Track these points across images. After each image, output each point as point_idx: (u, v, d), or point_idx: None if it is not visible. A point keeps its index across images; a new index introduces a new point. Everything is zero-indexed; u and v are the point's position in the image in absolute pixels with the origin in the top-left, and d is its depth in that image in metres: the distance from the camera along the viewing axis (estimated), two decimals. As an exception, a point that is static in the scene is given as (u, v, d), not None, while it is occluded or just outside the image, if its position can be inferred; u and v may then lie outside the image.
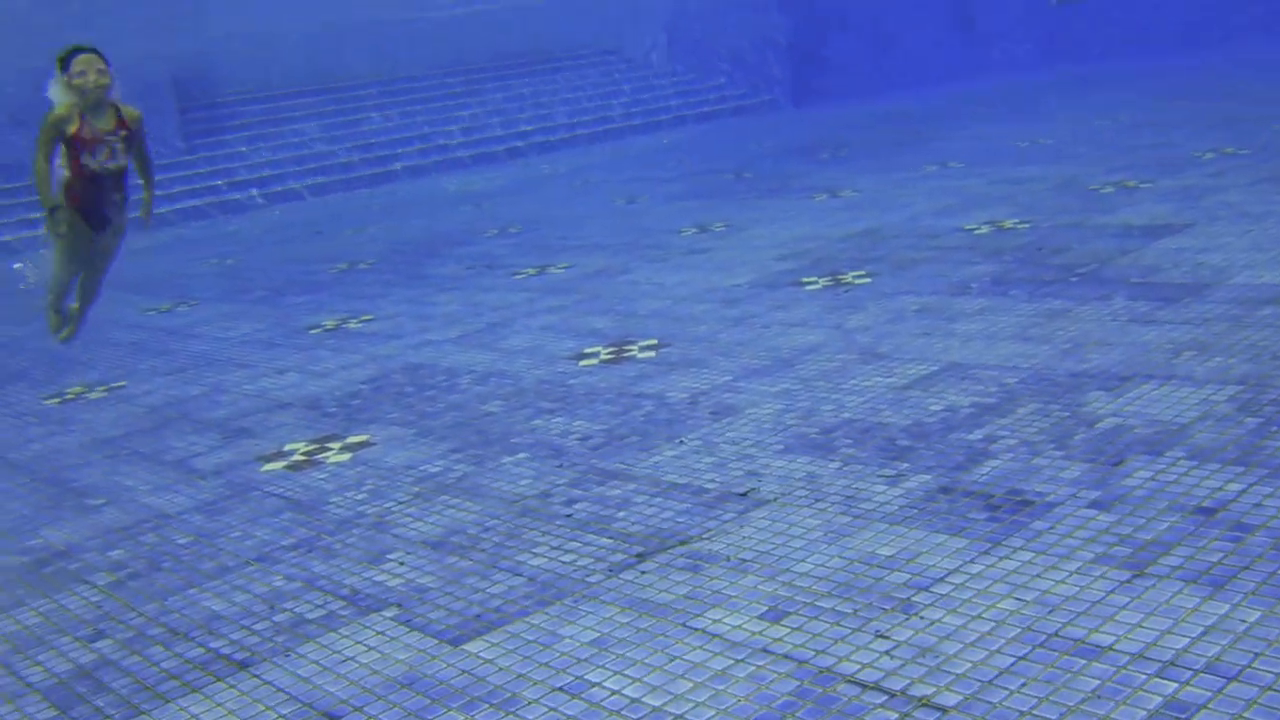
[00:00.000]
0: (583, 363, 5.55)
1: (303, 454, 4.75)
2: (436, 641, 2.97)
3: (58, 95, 5.41)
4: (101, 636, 3.30)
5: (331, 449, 4.76)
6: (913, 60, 24.09)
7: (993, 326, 5.13)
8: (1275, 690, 2.31)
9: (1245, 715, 2.25)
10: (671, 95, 22.17)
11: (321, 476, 4.43)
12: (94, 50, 5.45)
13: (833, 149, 13.46)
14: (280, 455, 4.77)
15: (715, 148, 15.97)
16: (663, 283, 7.14)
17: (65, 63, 5.40)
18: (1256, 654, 2.43)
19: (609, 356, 5.61)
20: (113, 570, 3.78)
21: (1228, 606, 2.63)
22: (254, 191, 16.73)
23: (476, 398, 5.20)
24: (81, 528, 4.24)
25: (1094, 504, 3.23)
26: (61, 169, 5.48)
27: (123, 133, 5.49)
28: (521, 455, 4.33)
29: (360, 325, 7.19)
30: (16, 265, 13.67)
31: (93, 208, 5.58)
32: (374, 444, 4.74)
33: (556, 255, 8.73)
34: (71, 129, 5.34)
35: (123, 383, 6.60)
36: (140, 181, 5.85)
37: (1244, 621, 2.56)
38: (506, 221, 11.09)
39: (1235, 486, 3.21)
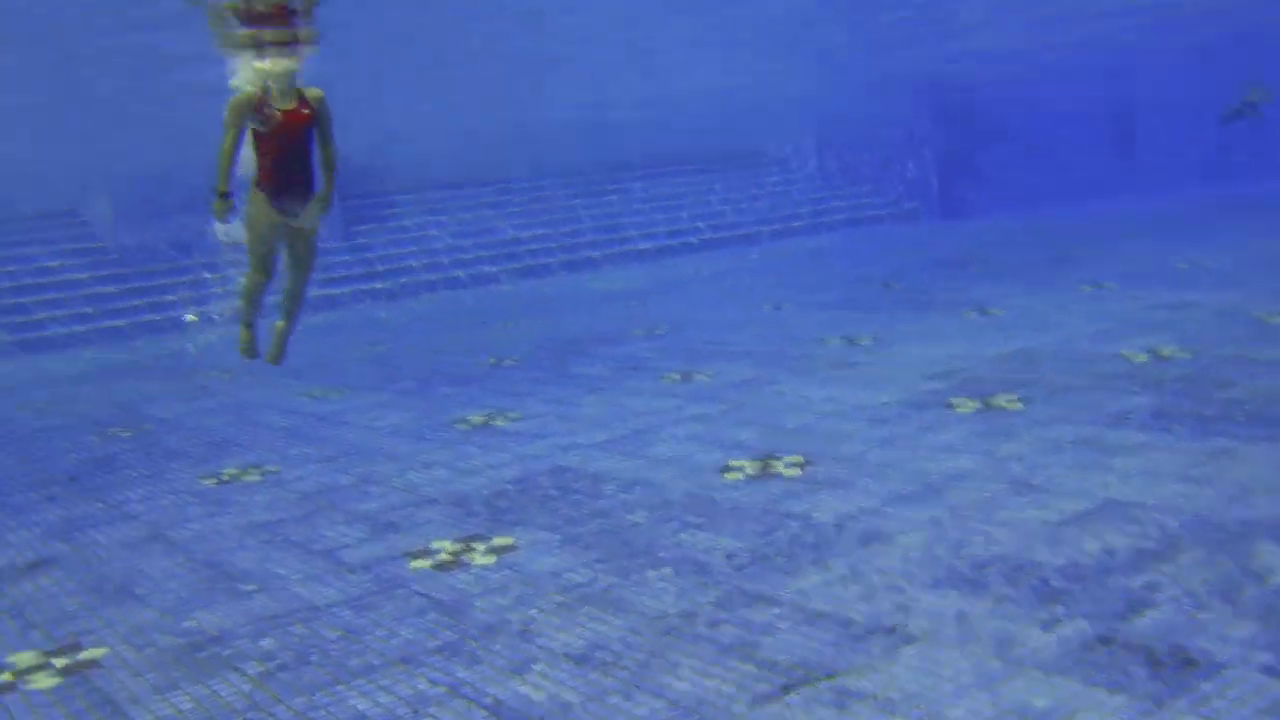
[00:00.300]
0: (728, 476, 5.54)
1: (449, 553, 4.81)
2: (579, 763, 2.96)
3: (244, 78, 5.62)
4: (252, 729, 3.37)
5: (477, 550, 4.82)
6: (1066, 174, 23.81)
7: (1153, 463, 4.98)
8: None
9: None
10: (819, 200, 22.27)
11: (467, 579, 4.48)
12: None
13: (982, 263, 13.33)
14: (427, 553, 4.85)
15: (862, 255, 15.95)
16: (809, 396, 7.11)
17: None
18: None
19: (755, 471, 5.59)
20: (263, 660, 3.87)
21: None
22: (405, 280, 17.24)
23: (622, 506, 5.22)
24: (234, 613, 4.36)
25: (1267, 669, 3.09)
26: (246, 153, 5.77)
27: (306, 111, 5.75)
28: (666, 570, 4.32)
29: (507, 423, 7.30)
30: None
31: (280, 190, 5.83)
32: (519, 548, 4.79)
33: (702, 361, 8.77)
34: (258, 110, 5.60)
35: (277, 467, 6.80)
36: (323, 170, 6.11)
37: None
38: (653, 323, 11.20)
39: None
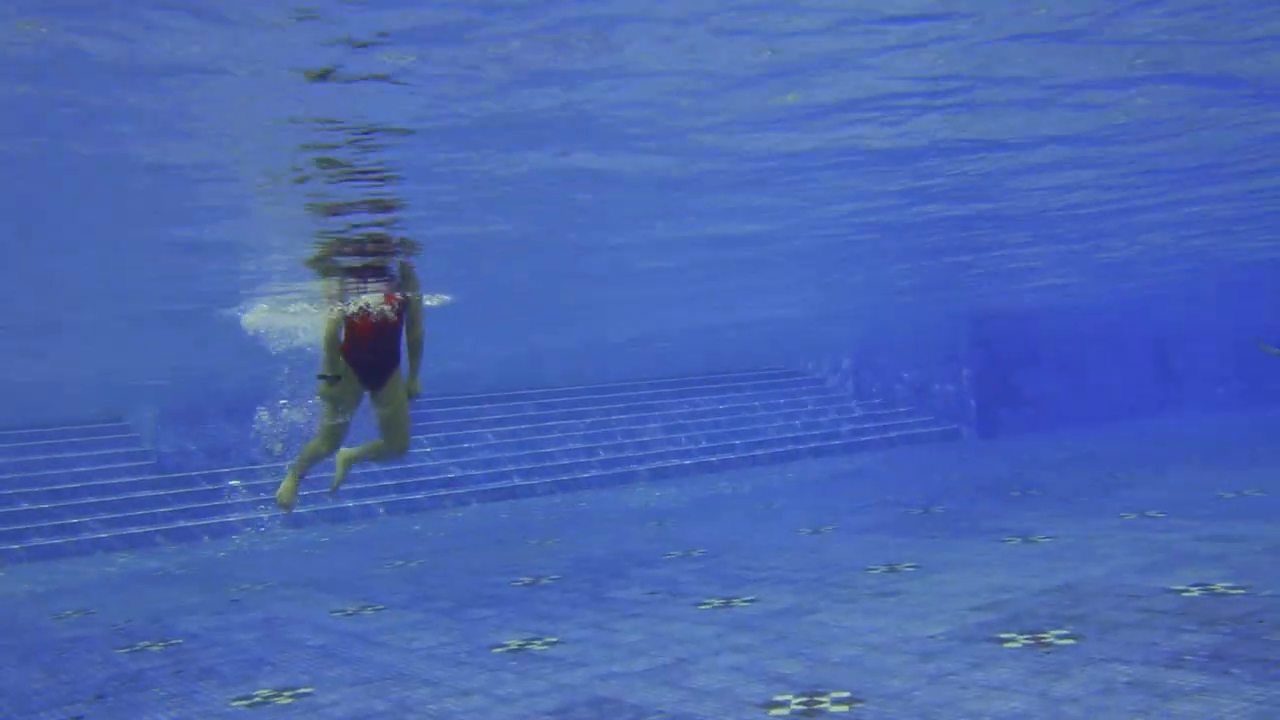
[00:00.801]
0: (773, 711, 5.38)
1: (799, 702, 4.66)
2: None
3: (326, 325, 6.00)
4: None
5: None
6: (1105, 396, 23.85)
7: (1215, 710, 4.81)
8: None
9: None
10: (855, 420, 22.33)
11: (505, 820, 4.32)
12: None
13: (1022, 488, 13.22)
14: (463, 790, 4.69)
15: (900, 477, 15.87)
16: (853, 627, 6.96)
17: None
18: None
19: (800, 707, 5.43)
20: None
21: None
22: (441, 493, 17.25)
23: None
24: None
25: None
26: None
27: (395, 316, 5.90)
28: (711, 817, 4.16)
29: (544, 648, 7.17)
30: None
31: (362, 362, 5.96)
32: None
33: (741, 587, 8.65)
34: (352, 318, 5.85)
35: (310, 689, 6.67)
36: (409, 352, 6.25)
37: None
38: (689, 544, 11.10)
39: None
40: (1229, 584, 7.14)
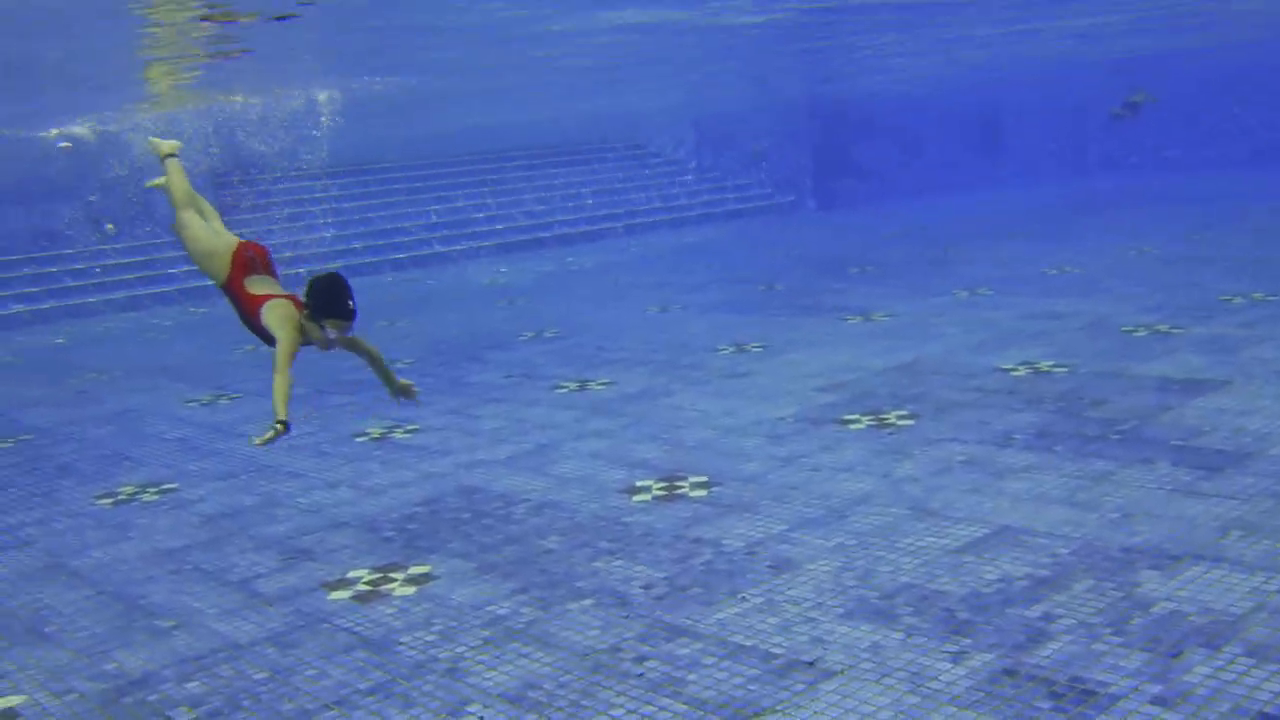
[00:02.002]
0: (636, 498, 5.68)
1: (367, 583, 4.87)
2: (526, 812, 3.08)
3: (289, 326, 5.07)
4: (192, 782, 3.40)
5: (395, 580, 4.88)
6: (938, 168, 24.48)
7: (1040, 486, 5.27)
8: None
9: None
10: (697, 192, 22.53)
11: (390, 612, 4.55)
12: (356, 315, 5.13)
13: (861, 264, 13.70)
14: (345, 584, 4.89)
15: (742, 252, 16.23)
16: (707, 410, 7.29)
17: (328, 309, 5.03)
18: None
19: (661, 492, 5.74)
20: (193, 706, 3.89)
21: (1298, 826, 2.73)
22: (283, 271, 16.99)
23: (534, 531, 5.33)
24: (155, 653, 4.35)
25: (1157, 700, 3.34)
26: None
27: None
28: (587, 602, 4.45)
29: (406, 436, 7.34)
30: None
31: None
32: (437, 577, 4.86)
33: (596, 369, 8.90)
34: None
35: (174, 485, 6.73)
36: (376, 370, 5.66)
37: (1315, 844, 2.67)
38: (542, 323, 11.29)
39: (1295, 691, 3.33)
40: (1052, 362, 7.67)
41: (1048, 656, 3.67)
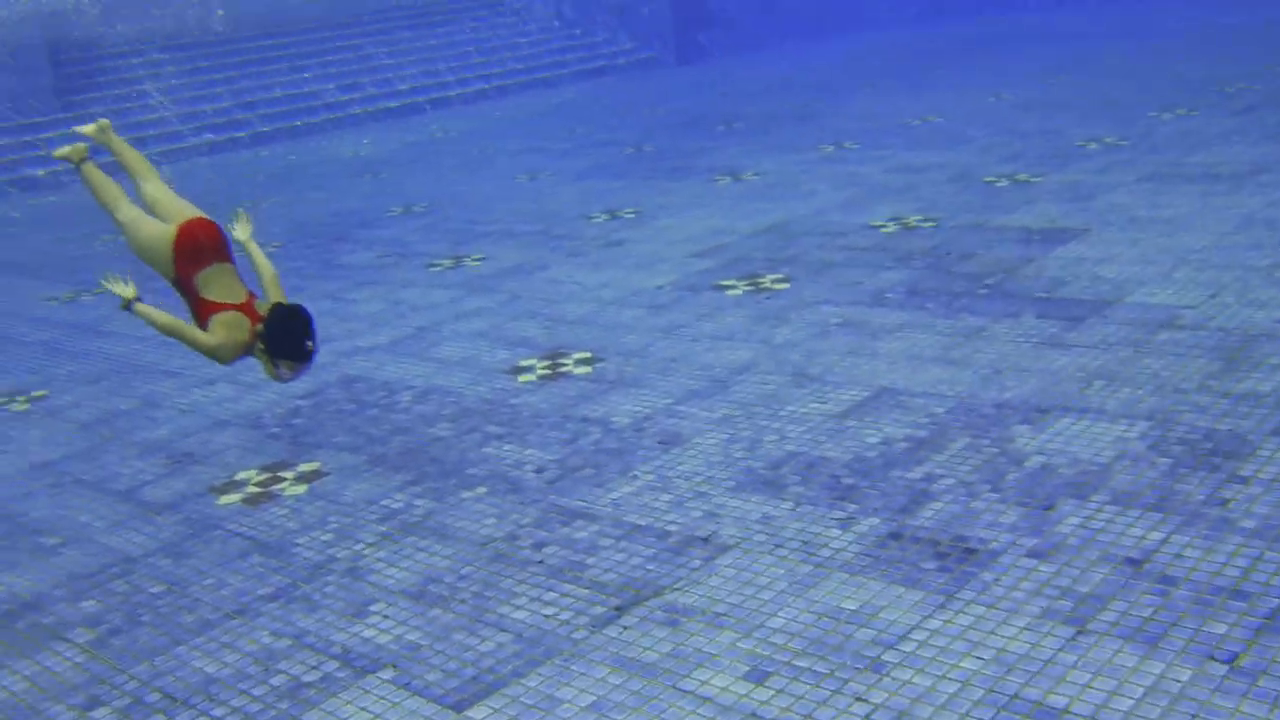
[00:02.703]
0: (521, 379, 5.71)
1: (256, 485, 4.84)
2: (440, 707, 3.15)
3: (230, 344, 4.57)
4: (98, 704, 3.40)
5: (285, 479, 4.86)
6: (797, 14, 24.35)
7: (915, 346, 5.43)
8: (1214, 756, 2.63)
9: (1191, 782, 2.56)
10: (556, 50, 22.11)
11: (282, 513, 4.54)
12: (313, 357, 4.64)
13: (728, 121, 13.68)
14: (234, 486, 4.86)
15: (608, 112, 16.05)
16: (584, 282, 7.30)
17: (282, 349, 4.52)
18: (1193, 715, 2.75)
19: (545, 371, 5.77)
20: (90, 625, 3.86)
21: (1163, 666, 2.95)
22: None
23: (421, 419, 5.33)
24: (45, 573, 4.29)
25: (1033, 553, 3.54)
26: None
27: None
28: (480, 490, 4.49)
29: (282, 326, 7.20)
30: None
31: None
32: (327, 474, 4.85)
33: (469, 243, 8.81)
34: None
35: (44, 392, 6.54)
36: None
37: (1178, 681, 2.88)
38: (409, 198, 11.09)
39: (1156, 535, 3.54)
40: (919, 216, 7.82)
41: (930, 517, 3.84)
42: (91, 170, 4.94)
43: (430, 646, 3.46)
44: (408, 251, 8.84)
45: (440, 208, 10.43)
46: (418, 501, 4.47)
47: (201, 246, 4.61)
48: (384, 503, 4.51)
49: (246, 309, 4.60)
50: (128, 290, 4.58)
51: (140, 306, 4.60)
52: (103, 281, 4.67)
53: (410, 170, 13.05)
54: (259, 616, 3.76)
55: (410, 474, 4.74)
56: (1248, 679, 2.85)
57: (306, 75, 19.31)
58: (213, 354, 4.54)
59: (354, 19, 21.62)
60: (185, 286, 4.62)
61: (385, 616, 3.66)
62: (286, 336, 4.49)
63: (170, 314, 4.63)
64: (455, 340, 6.48)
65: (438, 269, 8.15)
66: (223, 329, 4.52)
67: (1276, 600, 3.15)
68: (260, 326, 4.53)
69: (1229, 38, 15.96)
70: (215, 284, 4.61)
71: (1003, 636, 3.15)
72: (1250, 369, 4.68)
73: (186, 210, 4.75)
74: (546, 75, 20.76)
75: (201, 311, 4.60)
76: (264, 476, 4.92)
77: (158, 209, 4.79)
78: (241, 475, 4.96)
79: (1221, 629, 3.06)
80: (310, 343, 4.53)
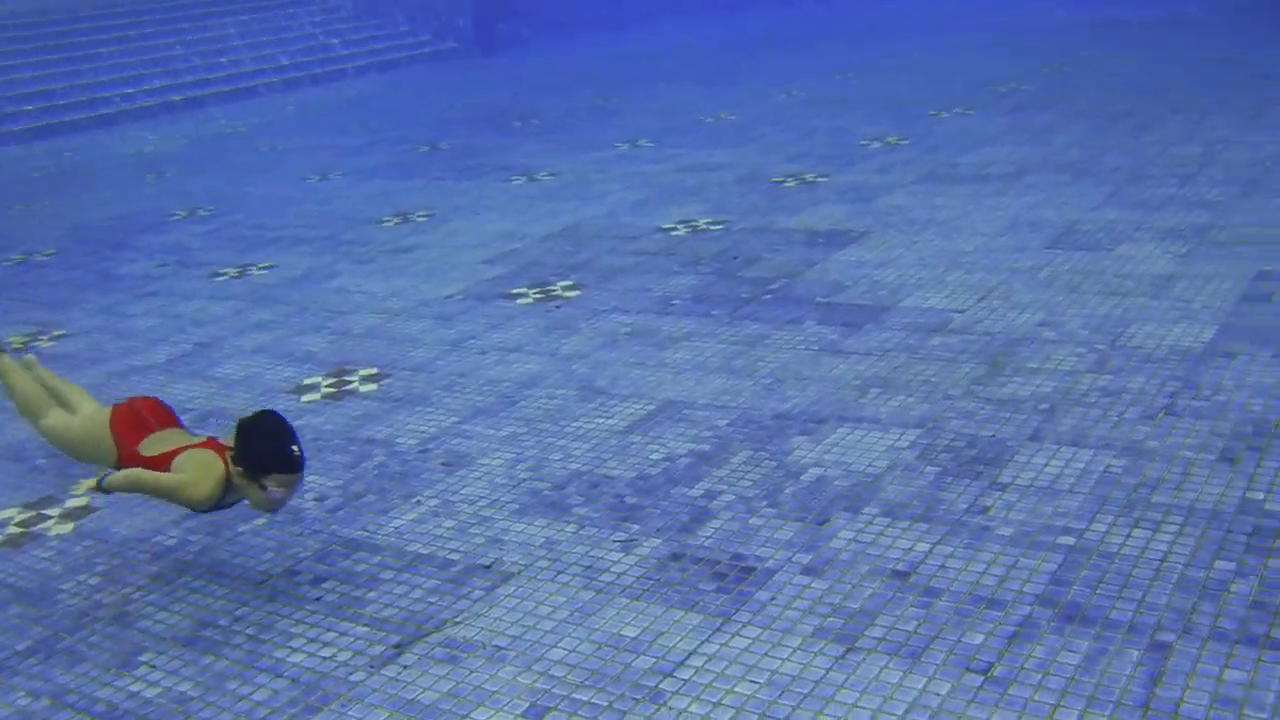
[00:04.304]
0: (304, 398, 5.57)
1: (18, 524, 4.59)
2: (208, 765, 3.05)
3: (208, 481, 3.65)
4: None
5: (51, 516, 4.63)
6: (602, 6, 24.40)
7: (700, 355, 5.51)
8: (968, 771, 2.75)
9: (946, 800, 2.67)
10: (354, 42, 21.64)
11: (45, 555, 4.32)
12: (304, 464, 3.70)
13: (523, 117, 13.62)
14: (-7, 526, 4.60)
15: (403, 108, 15.80)
16: (373, 292, 7.17)
17: (266, 461, 3.58)
18: (951, 730, 2.87)
19: (330, 389, 5.65)
20: None
21: (924, 680, 3.06)
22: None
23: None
24: None
25: (807, 569, 3.63)
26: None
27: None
28: (260, 522, 4.36)
29: (53, 344, 6.87)
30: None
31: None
32: (96, 509, 4.64)
33: (255, 250, 8.55)
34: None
35: None
36: None
37: (937, 695, 3.00)
38: (194, 200, 10.70)
39: (922, 546, 3.68)
40: (709, 219, 7.94)
41: (709, 536, 3.90)
42: (7, 366, 4.21)
43: (202, 698, 3.34)
44: (190, 260, 8.52)
45: (227, 211, 10.09)
46: (192, 537, 4.32)
47: (143, 417, 3.94)
48: (157, 539, 4.34)
49: (210, 444, 3.79)
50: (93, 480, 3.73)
51: (110, 479, 3.79)
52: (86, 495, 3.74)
53: (197, 169, 12.59)
54: (15, 675, 3.57)
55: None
56: (1000, 688, 2.98)
57: (85, 66, 18.42)
58: (187, 494, 3.64)
59: (139, 6, 20.71)
60: (132, 463, 3.83)
61: (154, 667, 3.52)
62: (264, 446, 3.57)
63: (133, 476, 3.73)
64: (237, 357, 6.27)
65: (222, 279, 7.89)
66: (191, 465, 3.67)
67: (1028, 608, 3.31)
68: (235, 454, 3.65)
69: (1020, 37, 16.69)
70: (164, 442, 3.85)
71: (777, 658, 3.22)
72: (1012, 374, 4.91)
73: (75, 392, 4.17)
74: (343, 67, 20.30)
75: (159, 466, 3.75)
76: (26, 515, 4.67)
77: (71, 396, 4.14)
78: (3, 515, 4.70)
79: (978, 639, 3.20)
80: (295, 447, 3.61)
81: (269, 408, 3.82)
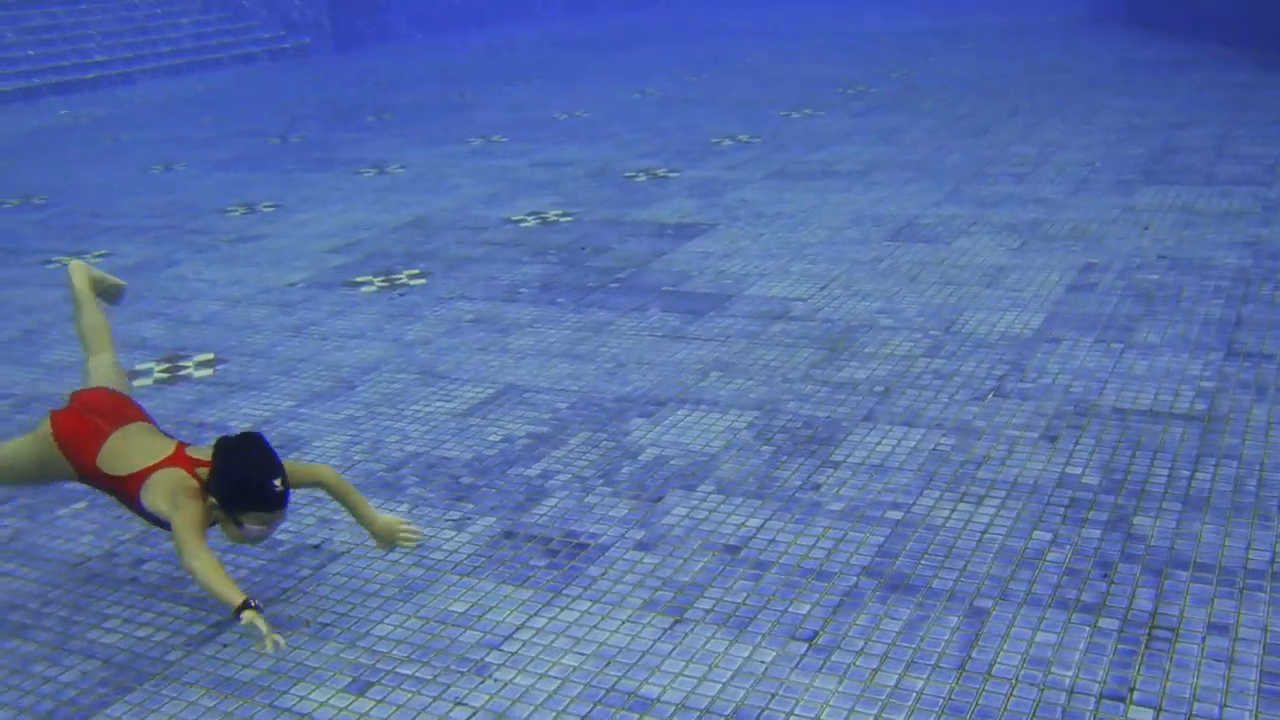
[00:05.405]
0: (136, 383, 5.38)
1: None
2: (9, 748, 2.92)
3: (186, 503, 3.18)
4: None
5: None
6: (460, 2, 24.23)
7: (544, 341, 5.49)
8: (788, 733, 2.78)
9: (765, 760, 2.69)
10: (207, 35, 21.09)
11: None
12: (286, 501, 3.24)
13: (377, 111, 13.44)
14: None
15: (255, 101, 15.45)
16: (214, 280, 6.98)
17: (242, 498, 3.14)
18: (772, 695, 2.90)
19: (164, 374, 5.47)
20: None
21: (749, 648, 3.08)
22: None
23: (19, 430, 4.94)
24: None
25: (640, 545, 3.63)
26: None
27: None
28: (80, 505, 4.20)
29: None
30: None
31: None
32: (-97, 495, 4.41)
33: (91, 239, 8.25)
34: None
35: None
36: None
37: (762, 662, 3.02)
38: (28, 189, 10.29)
39: (754, 522, 3.72)
40: (559, 211, 7.92)
41: (544, 514, 3.87)
42: None
43: (3, 682, 3.19)
44: (21, 248, 8.19)
45: (62, 199, 9.72)
46: (6, 521, 4.13)
47: (91, 422, 3.45)
48: (-34, 525, 4.14)
49: (176, 459, 3.34)
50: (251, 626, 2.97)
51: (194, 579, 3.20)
52: (262, 648, 2.89)
53: (32, 159, 12.11)
54: None
55: (2, 490, 4.38)
56: (823, 655, 3.02)
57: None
58: (186, 528, 3.12)
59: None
60: (93, 477, 3.42)
61: (-44, 651, 3.35)
62: (240, 477, 3.13)
63: (209, 565, 3.07)
64: (65, 344, 6.04)
65: (54, 266, 7.59)
66: (164, 497, 3.21)
67: (854, 579, 3.36)
68: (203, 474, 3.28)
69: (871, 43, 17.05)
70: (127, 449, 3.37)
71: (605, 630, 3.21)
72: (849, 358, 5.00)
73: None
74: (195, 60, 19.77)
75: (127, 488, 3.33)
76: None
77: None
78: None
79: (805, 609, 3.24)
80: (278, 481, 3.17)
81: (255, 431, 3.42)
